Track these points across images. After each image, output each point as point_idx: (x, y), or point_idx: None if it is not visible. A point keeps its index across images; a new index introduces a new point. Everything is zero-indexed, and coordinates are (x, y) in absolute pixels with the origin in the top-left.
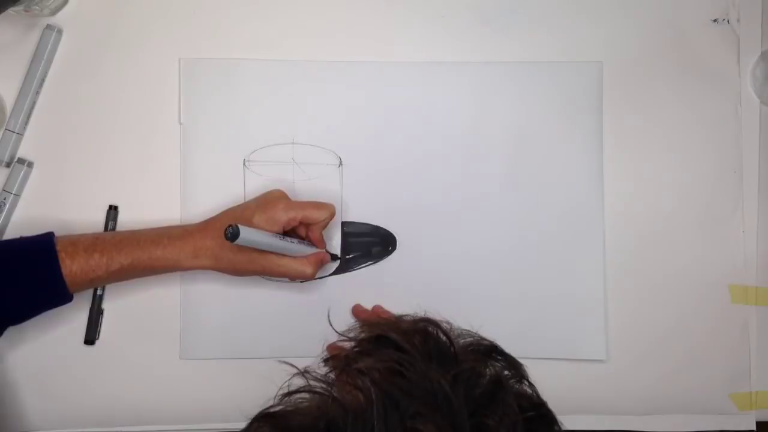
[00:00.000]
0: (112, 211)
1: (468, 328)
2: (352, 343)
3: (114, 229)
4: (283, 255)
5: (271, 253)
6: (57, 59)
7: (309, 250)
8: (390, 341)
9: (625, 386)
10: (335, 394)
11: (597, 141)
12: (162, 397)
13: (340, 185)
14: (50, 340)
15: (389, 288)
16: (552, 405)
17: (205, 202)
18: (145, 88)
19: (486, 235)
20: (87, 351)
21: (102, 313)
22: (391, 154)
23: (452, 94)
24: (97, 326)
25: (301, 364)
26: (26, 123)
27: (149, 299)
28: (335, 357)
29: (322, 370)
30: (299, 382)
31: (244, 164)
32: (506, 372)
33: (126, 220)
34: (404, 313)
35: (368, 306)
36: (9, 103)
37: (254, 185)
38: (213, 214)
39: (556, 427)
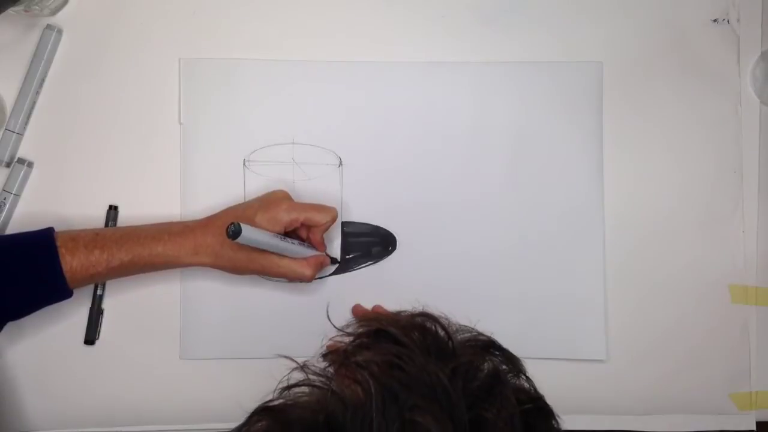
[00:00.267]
0: (112, 211)
1: (466, 323)
2: (351, 338)
3: None
4: (283, 256)
5: (272, 253)
6: (57, 59)
7: (309, 252)
8: (389, 335)
9: (625, 386)
10: (334, 388)
11: (597, 141)
12: (162, 397)
13: (340, 185)
14: (50, 340)
15: (389, 288)
16: (552, 405)
17: (205, 201)
18: (145, 88)
19: (486, 235)
20: (87, 351)
21: (102, 313)
22: (391, 154)
23: (452, 94)
24: (97, 326)
25: (301, 361)
26: (26, 123)
27: (149, 299)
28: (334, 351)
29: (321, 364)
30: (298, 376)
31: (244, 164)
32: (504, 366)
33: (126, 220)
34: (403, 309)
35: (368, 306)
36: (9, 103)
37: (254, 185)
38: None
39: (553, 421)
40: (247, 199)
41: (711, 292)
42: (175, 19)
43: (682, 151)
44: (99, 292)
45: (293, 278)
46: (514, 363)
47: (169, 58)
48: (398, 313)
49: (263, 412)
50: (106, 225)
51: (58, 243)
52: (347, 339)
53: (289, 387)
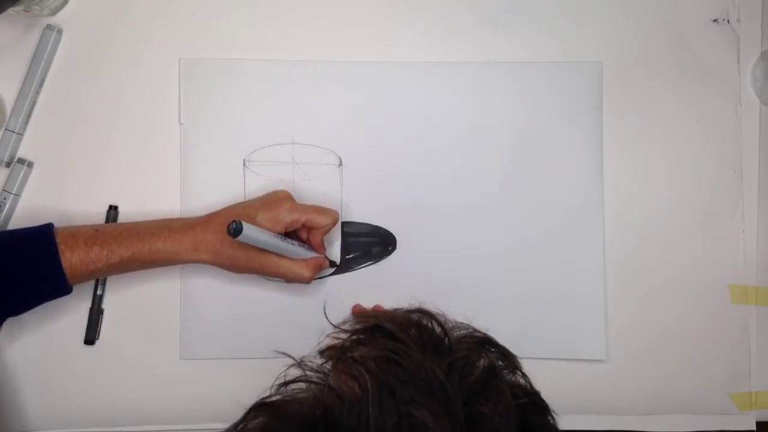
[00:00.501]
0: (112, 211)
1: (462, 320)
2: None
3: None
4: (283, 256)
5: (271, 253)
6: (57, 59)
7: (308, 254)
8: (385, 331)
9: (625, 386)
10: (331, 384)
11: (597, 141)
12: (162, 397)
13: (340, 185)
14: (50, 340)
15: (389, 288)
16: (552, 405)
17: (205, 201)
18: (145, 88)
19: (486, 234)
20: (87, 351)
21: (102, 313)
22: (391, 154)
23: (452, 94)
24: (97, 326)
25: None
26: (26, 123)
27: (149, 299)
28: (331, 347)
29: (318, 360)
30: (295, 372)
31: (244, 164)
32: (500, 363)
33: (126, 220)
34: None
35: (368, 306)
36: (9, 103)
37: (254, 185)
38: None
39: (549, 417)
40: (247, 199)
41: (711, 292)
42: (175, 19)
43: (682, 151)
44: (99, 292)
45: (292, 279)
46: (509, 359)
47: (169, 58)
48: (395, 310)
49: (260, 407)
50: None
51: (58, 239)
52: (344, 336)
53: (286, 383)
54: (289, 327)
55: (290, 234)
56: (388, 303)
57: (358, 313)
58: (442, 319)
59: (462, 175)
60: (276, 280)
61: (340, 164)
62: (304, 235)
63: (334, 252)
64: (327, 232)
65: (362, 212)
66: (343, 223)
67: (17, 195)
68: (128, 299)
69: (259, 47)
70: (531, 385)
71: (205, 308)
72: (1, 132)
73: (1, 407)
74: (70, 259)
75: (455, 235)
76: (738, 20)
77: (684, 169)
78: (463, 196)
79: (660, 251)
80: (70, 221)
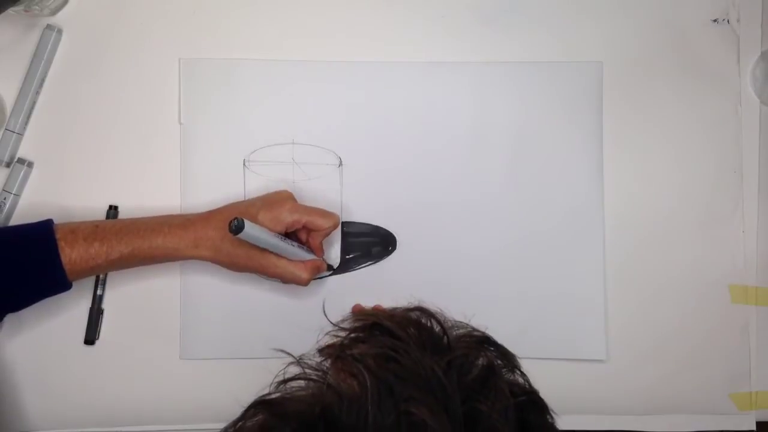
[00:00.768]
0: (112, 211)
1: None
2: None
3: None
4: (281, 256)
5: (270, 252)
6: (57, 59)
7: (307, 256)
8: (384, 329)
9: (625, 386)
10: (330, 381)
11: (597, 141)
12: (162, 397)
13: (340, 185)
14: (50, 340)
15: (389, 288)
16: (552, 405)
17: (205, 201)
18: (145, 88)
19: (486, 234)
20: (87, 351)
21: (102, 313)
22: (391, 154)
23: (452, 94)
24: (97, 326)
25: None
26: (26, 123)
27: (149, 299)
28: (330, 345)
29: (317, 358)
30: (295, 370)
31: (244, 164)
32: (498, 361)
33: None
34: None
35: (368, 306)
36: (9, 103)
37: (254, 185)
38: None
39: (548, 415)
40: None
41: (711, 292)
42: (175, 19)
43: (682, 151)
44: (99, 292)
45: (289, 280)
46: (508, 358)
47: (169, 58)
48: (394, 309)
49: (259, 405)
50: None
51: (58, 235)
52: (343, 334)
53: (285, 381)
54: (289, 327)
55: (290, 235)
56: (388, 303)
57: (358, 311)
58: (441, 318)
59: (462, 175)
60: (273, 280)
61: (340, 164)
62: (303, 236)
63: (334, 254)
64: (327, 235)
65: (362, 212)
66: (343, 223)
67: (17, 195)
68: (128, 299)
69: (259, 47)
70: (529, 384)
71: (205, 308)
72: (1, 132)
73: (0, 407)
74: (69, 255)
75: (455, 235)
76: (738, 20)
77: (684, 169)
78: (463, 196)
79: (660, 251)
80: (70, 220)
